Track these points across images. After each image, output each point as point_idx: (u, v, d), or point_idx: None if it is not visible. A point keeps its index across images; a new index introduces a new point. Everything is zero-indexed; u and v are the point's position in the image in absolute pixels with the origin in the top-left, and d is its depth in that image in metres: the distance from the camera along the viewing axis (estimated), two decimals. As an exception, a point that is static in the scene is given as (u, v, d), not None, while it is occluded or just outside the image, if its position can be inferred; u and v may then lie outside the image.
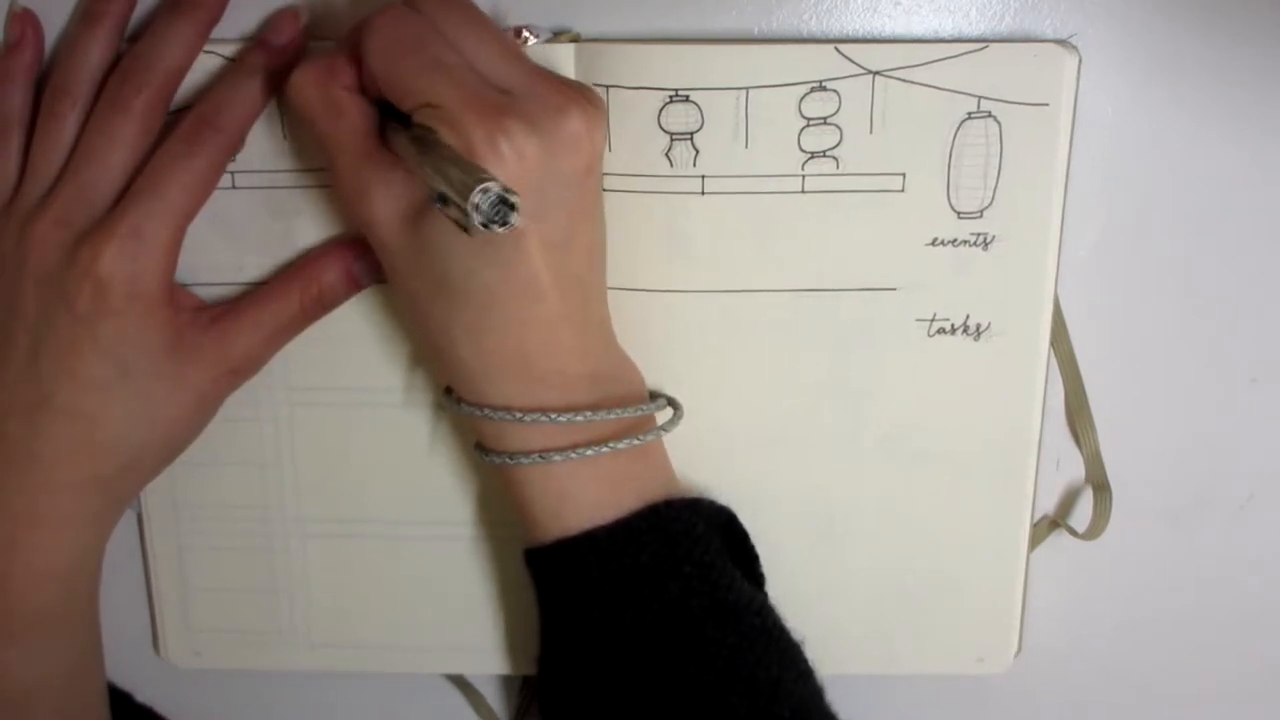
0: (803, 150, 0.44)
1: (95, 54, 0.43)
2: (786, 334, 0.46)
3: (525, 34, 0.43)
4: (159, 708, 0.53)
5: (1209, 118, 0.46)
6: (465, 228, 0.34)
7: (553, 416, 0.41)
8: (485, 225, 0.34)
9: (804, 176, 0.44)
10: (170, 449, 0.45)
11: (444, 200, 0.36)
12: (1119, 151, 0.46)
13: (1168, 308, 0.48)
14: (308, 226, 0.46)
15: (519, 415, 0.41)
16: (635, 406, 0.43)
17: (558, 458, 0.42)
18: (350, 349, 0.48)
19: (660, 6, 0.45)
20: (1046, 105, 0.43)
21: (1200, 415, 0.49)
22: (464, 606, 0.51)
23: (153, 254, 0.42)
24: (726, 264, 0.46)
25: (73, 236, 0.42)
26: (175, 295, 0.44)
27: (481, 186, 0.33)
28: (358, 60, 0.40)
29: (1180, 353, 0.49)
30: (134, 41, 0.44)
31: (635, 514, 0.43)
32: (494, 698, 0.54)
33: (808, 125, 0.44)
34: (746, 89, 0.43)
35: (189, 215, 0.43)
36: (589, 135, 0.39)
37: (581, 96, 0.40)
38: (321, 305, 0.46)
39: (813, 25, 0.45)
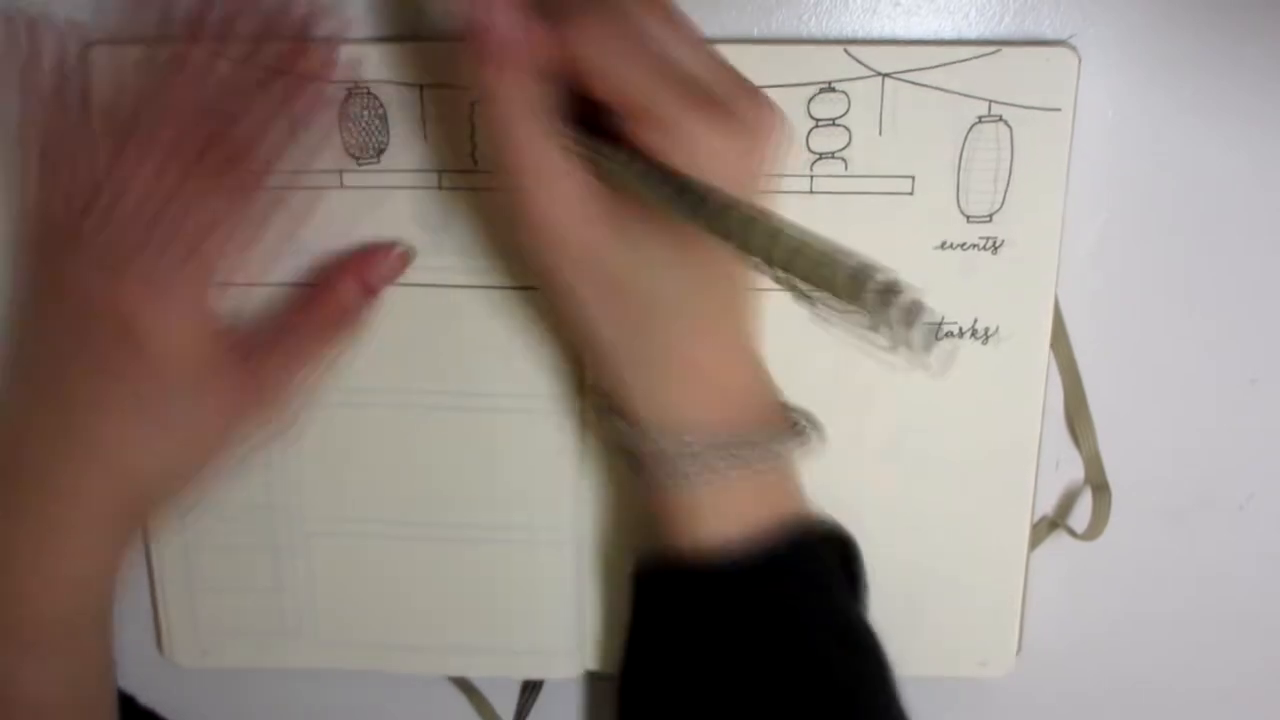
0: (811, 151, 0.44)
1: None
2: (792, 335, 0.46)
3: None
4: (162, 708, 0.53)
5: (1209, 118, 0.46)
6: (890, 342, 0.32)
7: (735, 451, 0.40)
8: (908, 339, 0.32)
9: (812, 177, 0.44)
10: (192, 477, 0.45)
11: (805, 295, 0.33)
12: (1119, 152, 0.46)
13: (1168, 308, 0.48)
14: (316, 228, 0.46)
15: (691, 444, 0.40)
16: (800, 431, 0.42)
17: (710, 475, 0.40)
18: (353, 349, 0.47)
19: (662, 7, 0.44)
20: (1059, 110, 0.43)
21: (1200, 415, 0.49)
22: (468, 607, 0.50)
23: (182, 295, 0.41)
24: (733, 265, 0.45)
25: (105, 273, 0.41)
26: (202, 329, 0.43)
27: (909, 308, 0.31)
28: (545, 50, 0.37)
29: (1180, 353, 0.49)
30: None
31: (771, 541, 0.41)
32: (497, 699, 0.54)
33: (816, 126, 0.44)
34: (754, 89, 0.43)
35: (220, 255, 0.42)
36: (780, 137, 0.38)
37: (765, 95, 0.39)
38: (344, 326, 0.46)
39: (812, 26, 0.45)
